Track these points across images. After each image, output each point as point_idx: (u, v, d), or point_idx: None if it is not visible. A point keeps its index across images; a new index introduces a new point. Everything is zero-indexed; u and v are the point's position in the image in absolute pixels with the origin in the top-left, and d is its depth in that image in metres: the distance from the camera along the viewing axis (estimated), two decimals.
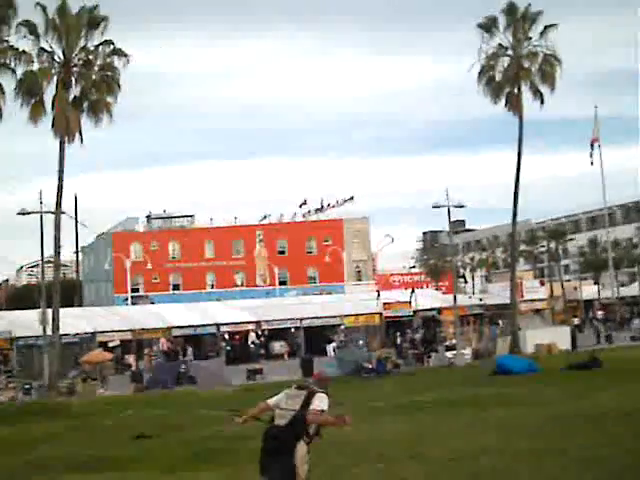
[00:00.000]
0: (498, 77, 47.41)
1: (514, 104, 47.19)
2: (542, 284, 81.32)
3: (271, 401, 8.61)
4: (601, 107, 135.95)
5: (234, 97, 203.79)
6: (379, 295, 61.88)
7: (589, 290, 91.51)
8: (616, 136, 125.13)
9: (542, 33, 46.84)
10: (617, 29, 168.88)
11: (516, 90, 47.13)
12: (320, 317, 59.10)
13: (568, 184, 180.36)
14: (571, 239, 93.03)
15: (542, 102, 47.76)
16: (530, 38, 47.18)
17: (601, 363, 34.56)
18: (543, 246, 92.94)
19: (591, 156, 59.17)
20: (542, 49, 47.10)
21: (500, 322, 59.56)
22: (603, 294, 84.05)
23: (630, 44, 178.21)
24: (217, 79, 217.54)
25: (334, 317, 59.16)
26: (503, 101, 47.55)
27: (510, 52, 47.32)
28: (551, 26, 46.72)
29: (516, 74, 46.87)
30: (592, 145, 59.81)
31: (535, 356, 40.24)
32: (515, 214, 48.53)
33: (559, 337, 45.65)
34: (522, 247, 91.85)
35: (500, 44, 47.29)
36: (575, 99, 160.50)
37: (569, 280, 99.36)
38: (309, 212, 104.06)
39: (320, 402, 8.22)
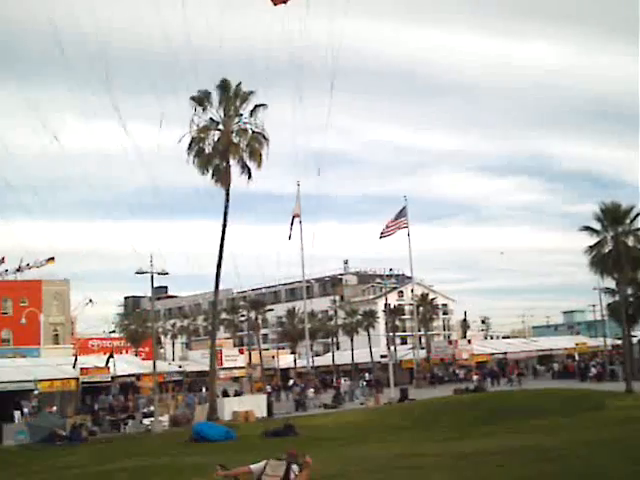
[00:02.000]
0: (208, 150, 48.38)
1: (222, 177, 48.17)
2: (241, 352, 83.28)
3: (253, 467, 11.39)
4: (304, 184, 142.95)
5: None
6: (76, 360, 60.02)
7: (286, 359, 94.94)
8: (316, 213, 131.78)
9: (252, 111, 48.63)
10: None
11: (224, 164, 48.27)
12: (12, 382, 56.05)
13: (270, 256, 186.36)
14: (270, 309, 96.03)
15: (249, 177, 49.35)
16: (241, 115, 48.76)
17: (296, 430, 35.91)
18: (244, 315, 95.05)
19: (291, 231, 61.70)
20: (251, 126, 48.82)
21: (204, 389, 59.85)
22: (299, 363, 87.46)
23: (331, 129, 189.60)
24: None
25: (28, 382, 56.33)
26: (211, 173, 48.43)
27: (221, 127, 48.59)
28: (261, 105, 48.65)
29: (225, 148, 48.09)
30: (293, 220, 62.34)
31: (232, 423, 40.79)
32: (218, 283, 49.18)
33: (256, 404, 46.62)
34: (223, 315, 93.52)
35: (212, 118, 48.45)
36: (281, 175, 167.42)
37: (267, 349, 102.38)
38: (6, 271, 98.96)
39: (297, 469, 11.30)
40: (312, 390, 60.52)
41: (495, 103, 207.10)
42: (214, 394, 47.96)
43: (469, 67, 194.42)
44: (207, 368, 51.25)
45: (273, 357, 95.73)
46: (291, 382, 75.44)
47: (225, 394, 54.59)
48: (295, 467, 11.44)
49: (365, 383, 68.74)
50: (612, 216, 50.71)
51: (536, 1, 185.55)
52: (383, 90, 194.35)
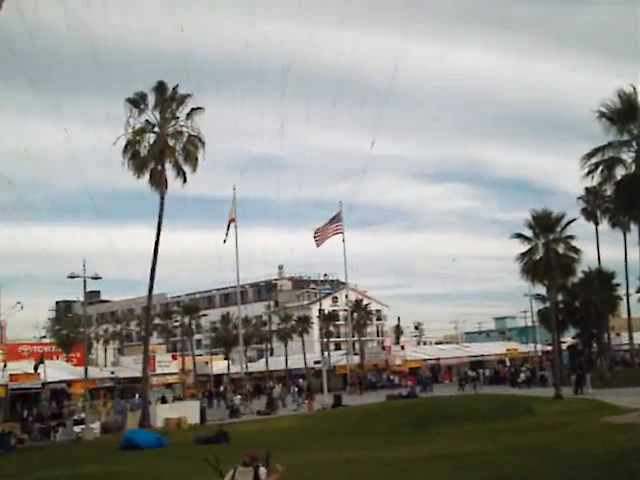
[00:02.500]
0: (143, 153, 47.91)
1: (157, 180, 47.76)
2: (175, 358, 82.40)
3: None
4: (240, 189, 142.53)
5: None
6: (5, 366, 58.72)
7: (220, 365, 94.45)
8: (251, 217, 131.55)
9: (189, 114, 48.31)
10: (261, 118, 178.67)
11: (160, 167, 47.86)
12: None
13: (205, 261, 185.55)
14: (204, 315, 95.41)
15: (185, 180, 49.01)
16: (177, 118, 48.41)
17: (228, 437, 35.73)
18: (177, 320, 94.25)
19: (226, 235, 61.30)
20: (187, 130, 48.50)
21: (136, 395, 59.10)
22: (233, 369, 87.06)
23: (272, 133, 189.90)
24: None
25: None
26: (147, 176, 47.98)
27: (157, 129, 48.17)
28: (198, 109, 48.37)
29: (161, 151, 47.69)
30: (229, 225, 61.99)
31: (165, 430, 40.41)
32: (151, 288, 48.72)
33: (189, 411, 46.24)
34: (157, 321, 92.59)
35: (148, 120, 48.00)
36: (217, 179, 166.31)
37: (201, 355, 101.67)
38: None
39: (264, 473, 11.32)
40: (239, 397, 60.05)
41: (432, 110, 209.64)
42: (146, 400, 47.39)
43: (407, 73, 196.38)
44: (140, 374, 50.57)
45: (207, 363, 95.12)
46: (222, 388, 74.85)
47: (164, 400, 53.95)
48: (262, 470, 11.50)
49: (296, 389, 68.69)
50: (543, 224, 51.65)
51: (475, 10, 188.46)
52: (319, 95, 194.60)
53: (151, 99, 47.82)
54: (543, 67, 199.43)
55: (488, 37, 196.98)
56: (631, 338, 74.99)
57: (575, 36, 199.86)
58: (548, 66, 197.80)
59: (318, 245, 68.13)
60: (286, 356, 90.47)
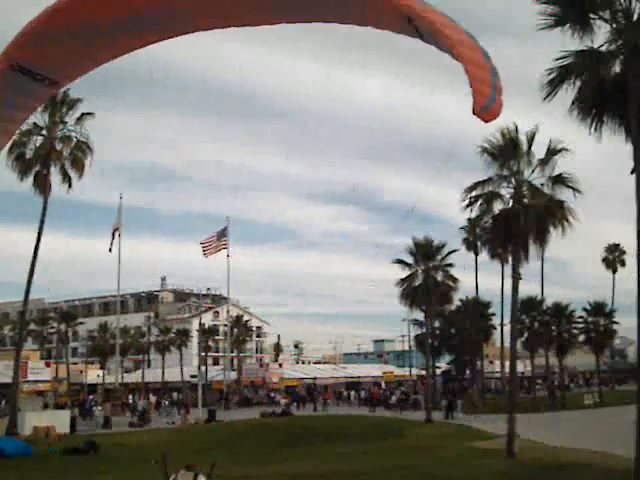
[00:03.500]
0: (29, 155, 46.93)
1: (41, 184, 46.84)
2: (48, 365, 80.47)
3: None
4: (128, 198, 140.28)
5: None
6: None
7: (94, 374, 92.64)
8: (137, 227, 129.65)
9: (79, 119, 47.59)
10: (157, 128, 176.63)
11: (45, 171, 46.95)
12: None
13: (87, 268, 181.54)
14: (82, 322, 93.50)
15: (70, 186, 48.16)
16: (66, 122, 47.61)
17: (97, 448, 35.23)
18: (53, 327, 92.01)
19: (111, 244, 60.52)
20: (76, 135, 47.74)
21: (3, 402, 57.46)
22: (108, 379, 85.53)
23: (165, 143, 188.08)
24: None
25: None
26: (31, 179, 47.02)
27: (44, 132, 47.27)
28: (88, 114, 47.67)
29: (47, 155, 46.81)
30: (113, 233, 61.23)
31: (32, 439, 39.43)
32: (28, 292, 47.55)
33: (59, 420, 45.17)
34: (32, 326, 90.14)
35: (35, 123, 46.99)
36: (106, 186, 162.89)
37: (76, 363, 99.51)
38: None
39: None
40: (99, 408, 59.01)
41: (326, 132, 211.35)
42: (15, 408, 46.10)
43: (303, 94, 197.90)
44: (10, 380, 49.18)
45: (81, 372, 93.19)
46: (90, 397, 73.04)
47: (46, 406, 52.68)
48: (202, 477, 12.68)
49: (167, 402, 67.94)
50: (424, 251, 53.13)
51: (380, 37, 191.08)
52: (213, 109, 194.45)
53: None
54: (440, 99, 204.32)
55: (393, 65, 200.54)
56: (503, 366, 77.52)
57: None
58: (445, 98, 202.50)
59: (207, 256, 68.06)
60: (163, 368, 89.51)
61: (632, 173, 18.32)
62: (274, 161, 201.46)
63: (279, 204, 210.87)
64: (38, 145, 47.15)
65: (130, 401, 63.85)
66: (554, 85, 19.14)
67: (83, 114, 47.68)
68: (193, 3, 8.03)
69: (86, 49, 8.02)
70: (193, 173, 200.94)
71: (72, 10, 7.50)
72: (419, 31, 8.42)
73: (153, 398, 70.03)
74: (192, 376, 68.66)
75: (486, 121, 8.72)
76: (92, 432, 44.91)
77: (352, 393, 75.77)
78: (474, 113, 8.22)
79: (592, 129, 18.99)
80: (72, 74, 8.20)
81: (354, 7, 8.55)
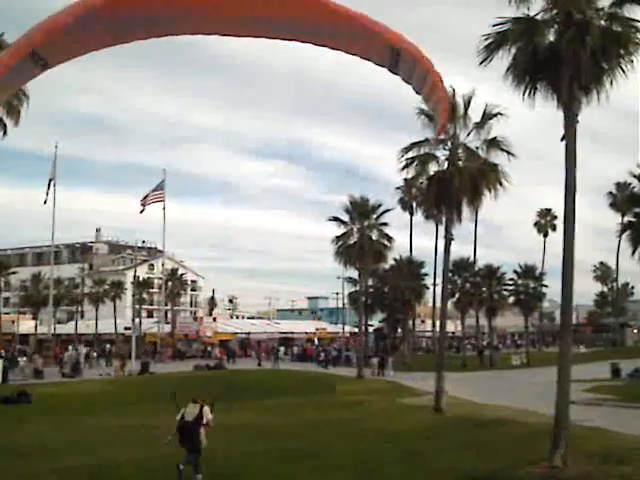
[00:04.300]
0: None
1: None
2: None
3: (178, 415, 15.59)
4: (65, 147, 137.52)
5: None
6: None
7: (27, 325, 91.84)
8: (73, 177, 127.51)
9: None
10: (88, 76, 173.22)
11: None
12: None
13: (21, 217, 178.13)
14: (14, 272, 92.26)
15: (4, 133, 47.25)
16: None
17: (30, 398, 35.25)
18: None
19: (47, 194, 59.70)
20: None
21: None
22: (40, 329, 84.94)
23: (93, 91, 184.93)
24: None
25: None
26: None
27: None
28: None
29: None
30: (49, 183, 60.41)
31: None
32: None
33: None
34: None
35: None
36: (42, 134, 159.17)
37: (8, 313, 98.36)
38: None
39: (208, 411, 15.62)
40: (24, 359, 58.60)
41: (267, 86, 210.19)
42: None
43: (248, 46, 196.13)
44: None
45: (13, 322, 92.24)
46: (17, 347, 72.34)
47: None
48: (206, 408, 15.68)
49: (95, 354, 67.37)
50: (360, 210, 53.74)
51: None
52: (152, 59, 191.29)
53: None
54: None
55: None
56: (434, 326, 79.15)
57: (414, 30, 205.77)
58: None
59: (142, 211, 67.74)
60: (96, 320, 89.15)
61: (562, 140, 18.86)
62: (214, 114, 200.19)
63: (217, 158, 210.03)
64: None
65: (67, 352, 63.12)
66: (490, 51, 19.53)
67: None
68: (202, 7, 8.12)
69: (88, 39, 8.09)
70: (130, 124, 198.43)
71: (110, 6, 7.54)
72: (399, 62, 8.97)
73: (84, 350, 69.65)
74: (126, 328, 68.61)
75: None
76: (24, 382, 44.74)
77: (281, 349, 76.42)
78: (437, 135, 9.22)
79: (526, 95, 19.45)
80: (64, 59, 8.27)
81: (342, 37, 8.94)
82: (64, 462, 18.19)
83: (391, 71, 9.21)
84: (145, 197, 67.91)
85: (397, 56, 8.80)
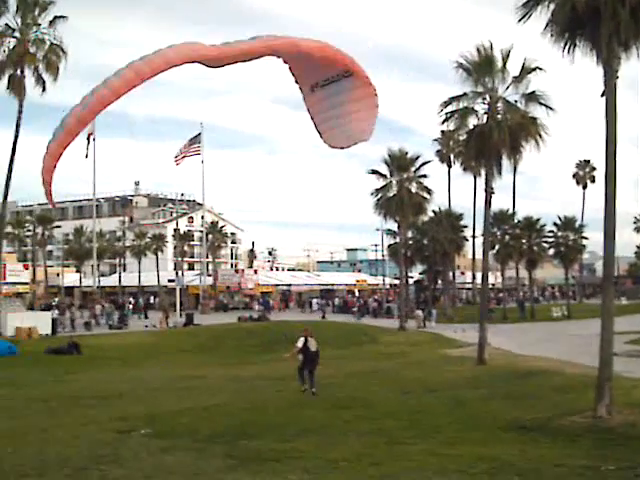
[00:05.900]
0: (2, 57, 46.21)
1: (16, 87, 46.32)
2: (26, 268, 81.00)
3: (299, 343, 21.92)
4: None
5: None
6: None
7: (71, 277, 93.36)
8: (110, 131, 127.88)
9: (52, 22, 46.71)
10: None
11: (19, 73, 46.39)
12: None
13: (60, 171, 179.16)
14: (58, 226, 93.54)
15: (44, 89, 47.63)
16: (39, 25, 46.75)
17: (80, 348, 36.22)
18: (30, 230, 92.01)
19: (87, 149, 60.26)
20: (49, 38, 46.92)
21: None
22: (84, 282, 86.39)
23: (124, 43, 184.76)
24: None
25: None
26: (5, 82, 46.50)
27: (17, 34, 46.48)
28: (61, 17, 46.77)
29: (21, 58, 46.09)
30: (88, 138, 60.93)
31: (15, 339, 40.27)
32: (6, 195, 47.61)
33: (40, 322, 45.85)
34: (9, 229, 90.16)
35: (8, 24, 46.14)
36: (79, 89, 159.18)
37: (52, 266, 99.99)
38: None
39: (314, 341, 22.37)
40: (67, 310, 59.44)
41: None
42: None
43: (282, 2, 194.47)
44: None
45: (58, 275, 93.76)
46: (56, 300, 73.36)
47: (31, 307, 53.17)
48: (311, 340, 22.06)
49: (131, 307, 67.99)
50: (399, 163, 53.58)
51: None
52: (186, 11, 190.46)
53: (12, 3, 45.96)
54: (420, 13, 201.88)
55: None
56: (474, 277, 79.26)
57: None
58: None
59: (177, 164, 68.31)
60: (139, 273, 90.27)
61: (602, 96, 18.78)
62: (251, 65, 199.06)
63: (254, 110, 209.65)
64: (11, 47, 46.41)
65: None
66: (529, 7, 19.43)
67: (56, 17, 46.78)
68: None
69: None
70: (163, 76, 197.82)
71: None
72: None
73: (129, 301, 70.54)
74: (170, 280, 69.32)
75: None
76: (73, 333, 45.79)
77: (314, 301, 76.89)
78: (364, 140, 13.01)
79: (565, 52, 19.32)
80: None
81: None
82: (118, 411, 18.75)
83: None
84: (181, 151, 68.41)
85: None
